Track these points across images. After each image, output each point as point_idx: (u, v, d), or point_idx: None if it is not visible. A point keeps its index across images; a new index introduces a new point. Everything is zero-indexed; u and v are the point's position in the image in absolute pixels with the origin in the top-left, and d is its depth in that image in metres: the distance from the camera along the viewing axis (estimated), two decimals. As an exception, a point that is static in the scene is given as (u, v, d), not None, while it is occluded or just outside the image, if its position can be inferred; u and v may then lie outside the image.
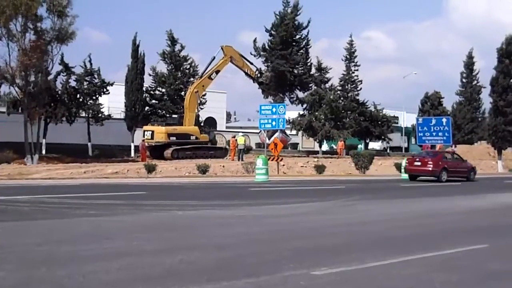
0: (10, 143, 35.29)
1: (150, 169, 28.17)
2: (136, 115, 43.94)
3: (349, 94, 55.23)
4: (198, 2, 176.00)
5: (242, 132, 51.86)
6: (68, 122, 41.50)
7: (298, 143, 65.40)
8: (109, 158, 38.85)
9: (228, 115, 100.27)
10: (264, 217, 13.31)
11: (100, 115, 43.54)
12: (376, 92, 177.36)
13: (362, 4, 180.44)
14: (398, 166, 35.43)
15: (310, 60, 52.33)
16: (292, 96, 51.99)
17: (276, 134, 40.62)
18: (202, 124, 48.62)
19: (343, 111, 52.77)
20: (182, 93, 46.56)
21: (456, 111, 58.67)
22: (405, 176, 32.12)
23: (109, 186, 21.14)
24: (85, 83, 42.62)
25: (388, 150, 66.04)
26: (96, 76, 43.04)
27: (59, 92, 41.04)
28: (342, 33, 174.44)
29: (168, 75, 47.99)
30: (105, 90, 43.13)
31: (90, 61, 42.81)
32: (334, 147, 59.31)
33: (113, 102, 51.71)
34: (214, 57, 42.85)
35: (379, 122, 57.70)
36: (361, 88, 55.98)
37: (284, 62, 48.57)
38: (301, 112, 53.13)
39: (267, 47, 50.10)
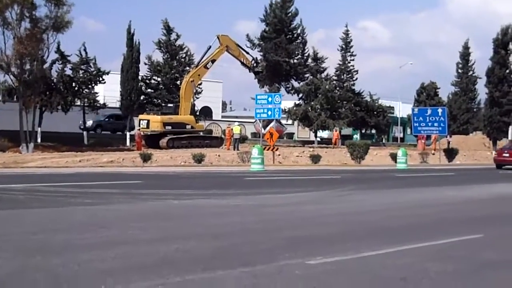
0: (5, 131, 35.21)
1: (146, 158, 28.14)
2: (131, 104, 43.80)
3: (345, 84, 55.19)
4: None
5: (238, 121, 51.85)
6: (64, 110, 41.35)
7: (293, 133, 65.37)
8: (104, 147, 38.80)
9: (224, 105, 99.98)
10: (260, 207, 13.33)
11: (95, 103, 43.38)
12: (372, 82, 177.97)
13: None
14: (393, 156, 35.46)
15: (308, 50, 52.39)
16: (288, 85, 52.02)
17: (272, 124, 40.61)
18: (197, 113, 48.45)
19: (338, 101, 52.79)
20: (178, 82, 46.33)
21: (452, 102, 58.69)
22: (400, 166, 32.29)
23: (104, 175, 21.10)
24: (80, 71, 42.40)
25: (383, 140, 66.21)
26: (91, 65, 42.84)
27: (55, 80, 40.81)
28: (338, 23, 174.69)
29: (164, 64, 47.73)
30: (100, 79, 42.95)
31: (85, 49, 42.60)
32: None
33: (109, 91, 51.58)
34: (210, 46, 42.66)
35: (375, 112, 57.95)
36: (357, 78, 56.10)
37: (278, 51, 48.41)
38: (297, 102, 53.10)
39: (259, 36, 50.02)
